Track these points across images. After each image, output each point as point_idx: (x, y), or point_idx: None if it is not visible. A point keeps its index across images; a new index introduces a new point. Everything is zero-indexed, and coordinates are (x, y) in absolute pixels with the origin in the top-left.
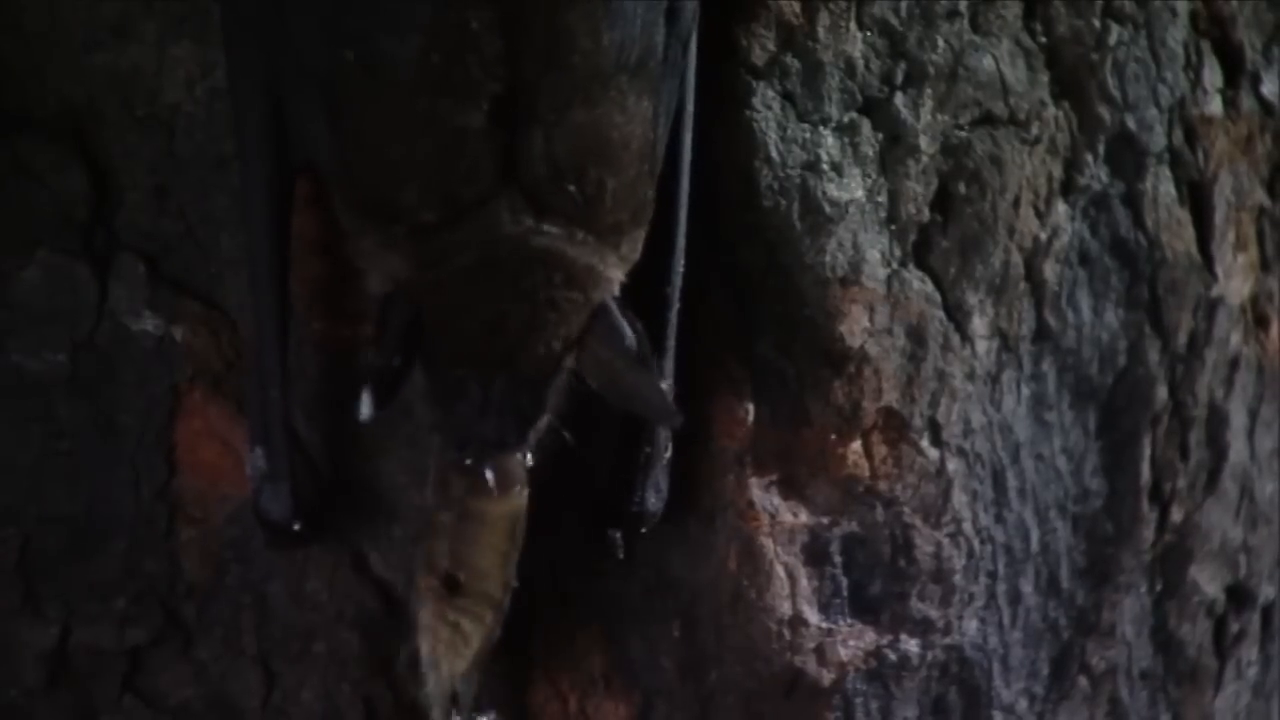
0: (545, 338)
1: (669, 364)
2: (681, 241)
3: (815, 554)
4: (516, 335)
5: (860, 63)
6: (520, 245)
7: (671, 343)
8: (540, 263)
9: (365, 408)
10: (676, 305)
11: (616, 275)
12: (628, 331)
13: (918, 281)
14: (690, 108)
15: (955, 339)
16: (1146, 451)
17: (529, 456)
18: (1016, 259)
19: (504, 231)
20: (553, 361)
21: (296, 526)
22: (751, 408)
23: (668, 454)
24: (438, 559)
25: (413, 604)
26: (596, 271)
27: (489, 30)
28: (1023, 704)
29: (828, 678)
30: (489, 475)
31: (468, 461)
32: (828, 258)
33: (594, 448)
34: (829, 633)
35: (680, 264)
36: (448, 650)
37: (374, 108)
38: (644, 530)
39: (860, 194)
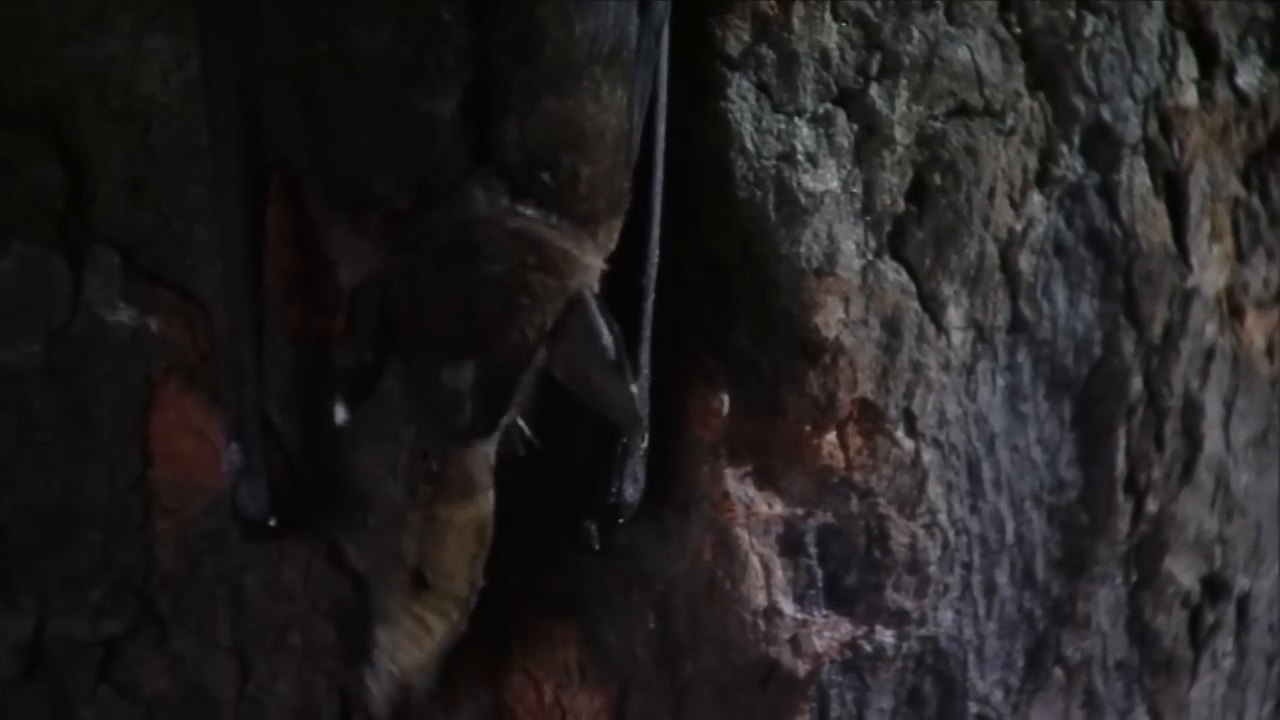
0: (519, 324)
1: (644, 355)
2: (656, 232)
3: (790, 545)
4: (490, 320)
5: (835, 54)
6: (494, 226)
7: (647, 333)
8: (515, 242)
9: (340, 411)
10: (651, 296)
11: (594, 264)
12: (604, 331)
13: (893, 272)
14: (663, 98)
15: (930, 330)
16: (1121, 442)
17: (492, 460)
18: (991, 250)
19: (478, 212)
20: (526, 351)
21: (272, 522)
22: (726, 399)
23: (644, 445)
24: (405, 555)
25: (377, 593)
26: (572, 257)
27: (460, 21)
28: (998, 695)
29: (803, 669)
30: (454, 479)
31: (433, 467)
32: (803, 249)
33: (570, 439)
34: (804, 624)
35: (655, 254)
36: (408, 641)
37: (346, 98)
38: (621, 521)
39: (835, 185)
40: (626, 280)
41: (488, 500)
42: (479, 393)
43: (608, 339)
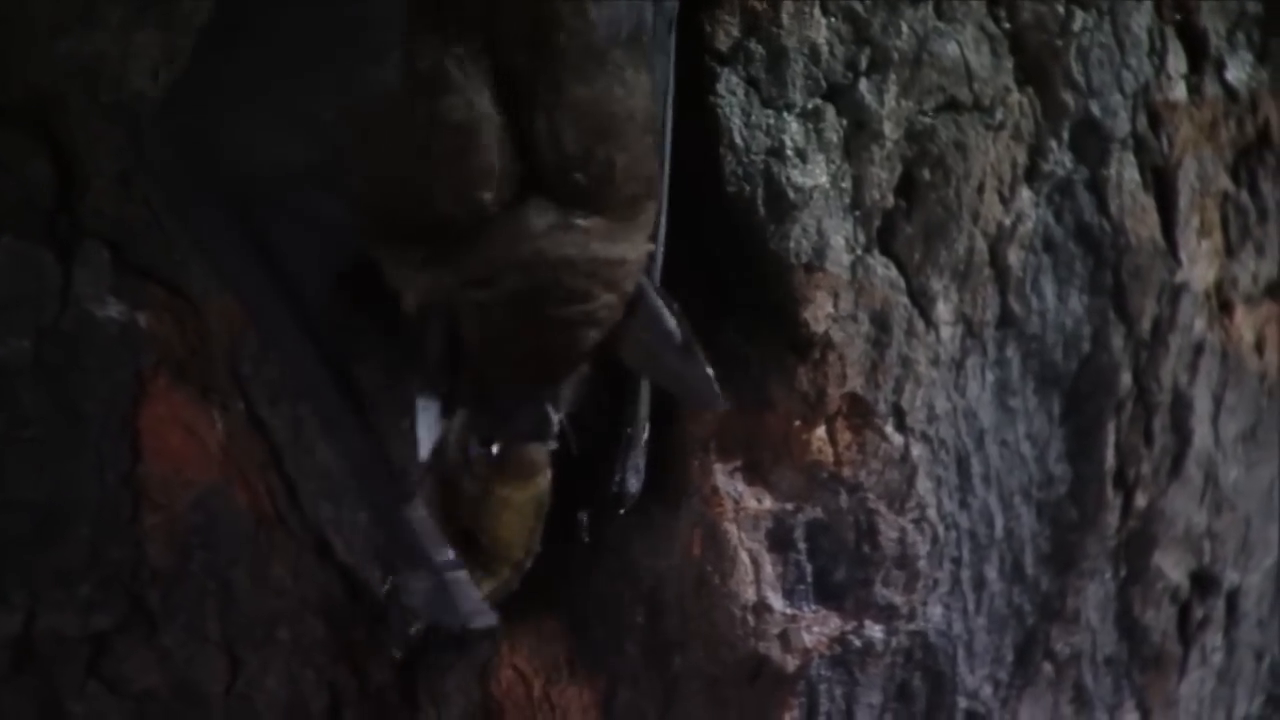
0: (583, 350)
1: None
2: (664, 227)
3: (779, 540)
4: (558, 355)
5: (825, 49)
6: (551, 252)
7: None
8: (577, 273)
9: (424, 448)
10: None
11: (643, 252)
12: (668, 316)
13: (882, 267)
14: (672, 88)
15: (919, 325)
16: (1111, 437)
17: (559, 436)
18: (981, 245)
19: (536, 240)
20: (586, 361)
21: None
22: None
23: (645, 435)
24: (459, 513)
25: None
26: (627, 262)
27: (467, 25)
28: (987, 690)
29: (792, 664)
30: (513, 463)
31: (494, 450)
32: (792, 244)
33: (573, 429)
34: (793, 619)
35: (661, 251)
36: None
37: (377, 133)
38: (622, 511)
39: (824, 180)
40: None
41: (546, 478)
42: (539, 403)
43: (673, 322)
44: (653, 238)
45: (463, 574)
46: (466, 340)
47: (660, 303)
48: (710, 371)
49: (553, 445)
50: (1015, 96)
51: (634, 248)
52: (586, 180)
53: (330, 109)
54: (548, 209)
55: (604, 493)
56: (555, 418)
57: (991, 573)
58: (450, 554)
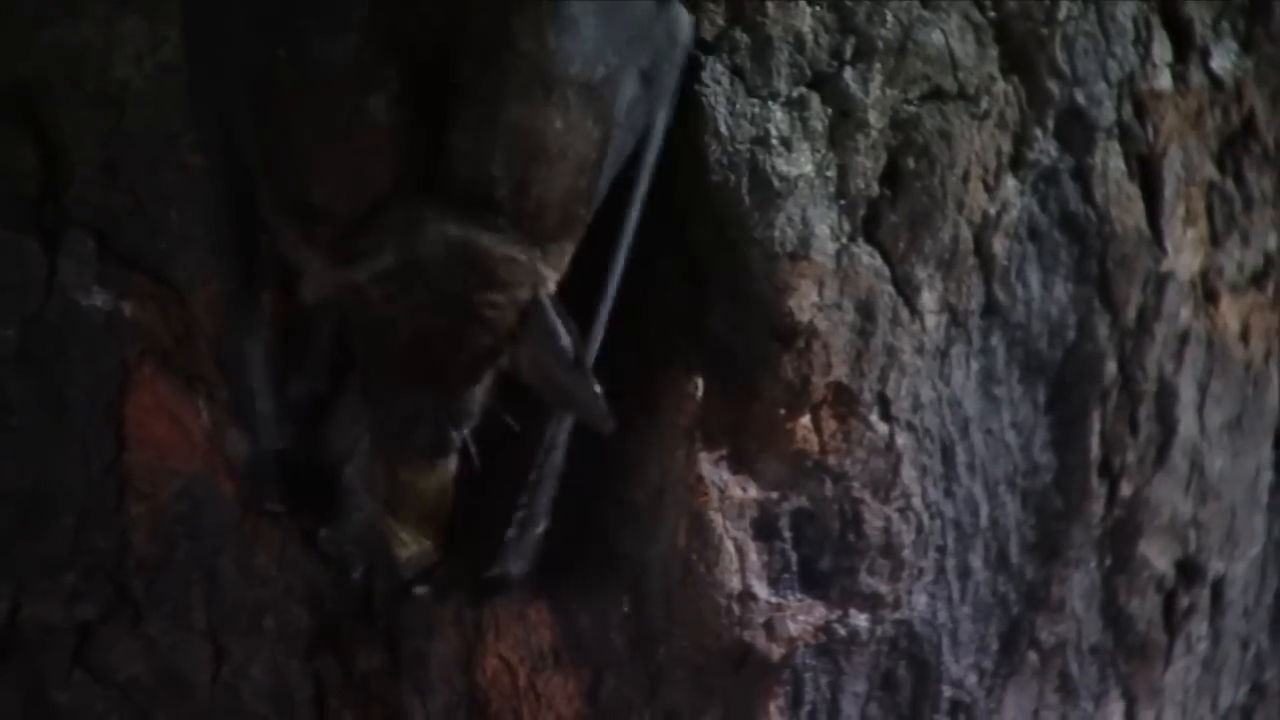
0: (470, 351)
1: (590, 355)
2: (620, 266)
3: (764, 529)
4: (441, 349)
5: (809, 37)
6: (435, 238)
7: (599, 333)
8: (459, 262)
9: (285, 439)
10: (602, 327)
11: (545, 271)
12: (562, 333)
13: (867, 256)
14: (659, 135)
15: (904, 314)
16: (1096, 426)
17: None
18: (966, 234)
19: (424, 227)
20: (479, 370)
21: (279, 506)
22: (700, 382)
23: (543, 527)
24: (375, 490)
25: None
26: (517, 263)
27: (424, 29)
28: (972, 678)
29: (777, 652)
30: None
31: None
32: (777, 232)
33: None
34: (778, 607)
35: (614, 287)
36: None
37: (302, 105)
38: (495, 598)
39: (809, 169)
40: (590, 283)
41: (448, 470)
42: (437, 414)
43: (566, 340)
44: (562, 275)
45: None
46: (352, 339)
47: (557, 320)
48: (599, 390)
49: (451, 462)
50: (1000, 85)
51: (529, 256)
52: (497, 197)
53: (273, 57)
54: (445, 209)
55: (485, 569)
56: (454, 434)
57: (976, 562)
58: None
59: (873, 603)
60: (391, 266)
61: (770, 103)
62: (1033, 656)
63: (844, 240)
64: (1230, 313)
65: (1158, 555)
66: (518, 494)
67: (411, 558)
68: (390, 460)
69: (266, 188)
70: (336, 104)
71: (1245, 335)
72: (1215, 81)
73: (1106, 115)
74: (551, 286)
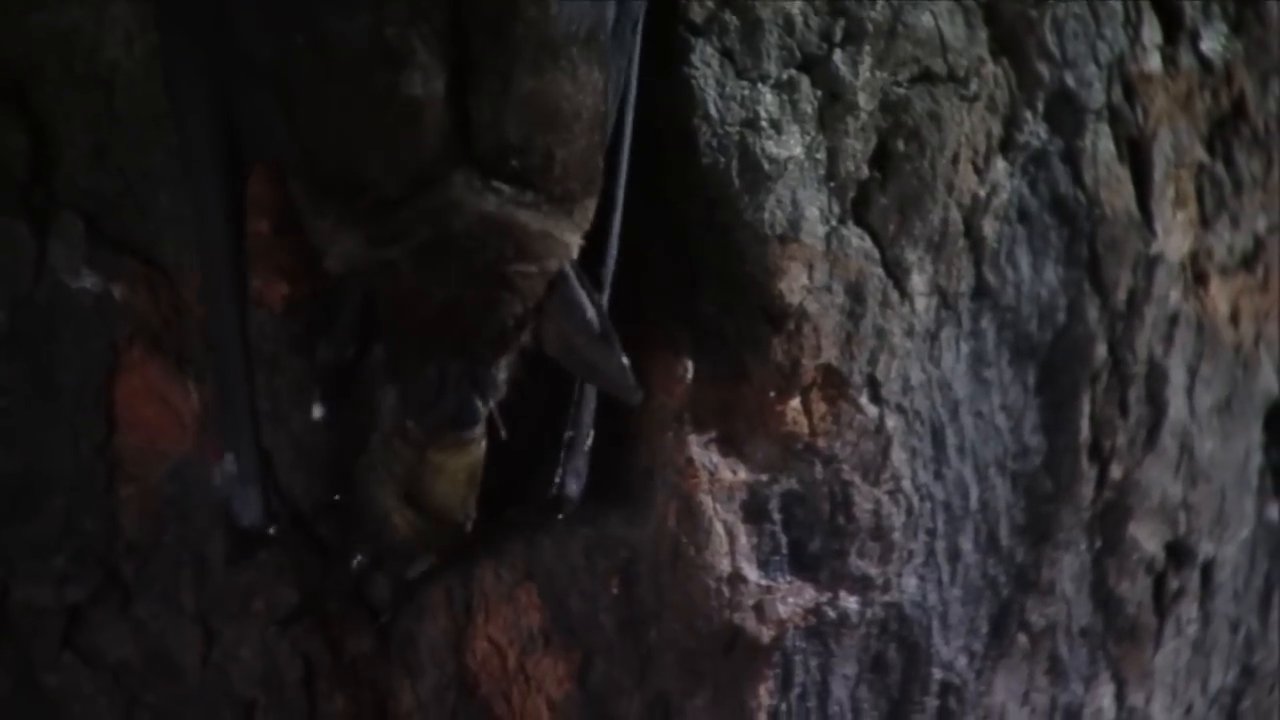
0: (500, 319)
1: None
2: (618, 225)
3: (754, 511)
4: (471, 319)
5: (799, 20)
6: (470, 212)
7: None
8: (492, 233)
9: (317, 408)
10: (608, 289)
11: (573, 240)
12: (588, 305)
13: (857, 239)
14: (634, 86)
15: (894, 296)
16: (1086, 409)
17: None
18: (955, 216)
19: (456, 200)
20: (508, 340)
21: (272, 530)
22: (690, 365)
23: (590, 440)
24: (396, 472)
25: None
26: (550, 238)
27: (439, 4)
28: (962, 661)
29: (767, 635)
30: (447, 435)
31: (431, 422)
32: (767, 215)
33: (515, 429)
34: (768, 590)
35: (615, 248)
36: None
37: (330, 88)
38: (561, 516)
39: (799, 151)
40: (588, 258)
41: (480, 447)
42: (462, 383)
43: (591, 312)
44: (587, 233)
45: None
46: (381, 307)
47: (581, 291)
48: (626, 361)
49: (480, 431)
50: (990, 68)
51: (560, 230)
52: (523, 168)
53: (292, 44)
54: (475, 181)
55: (543, 495)
56: (481, 405)
57: (966, 544)
58: None
59: (863, 585)
60: (427, 242)
61: (760, 85)
62: (1023, 639)
63: (834, 223)
64: (1220, 295)
65: (1148, 537)
66: (562, 420)
67: (436, 550)
68: (422, 441)
69: (303, 173)
70: (368, 82)
71: (1235, 318)
72: (1205, 64)
73: (1096, 98)
74: (575, 253)
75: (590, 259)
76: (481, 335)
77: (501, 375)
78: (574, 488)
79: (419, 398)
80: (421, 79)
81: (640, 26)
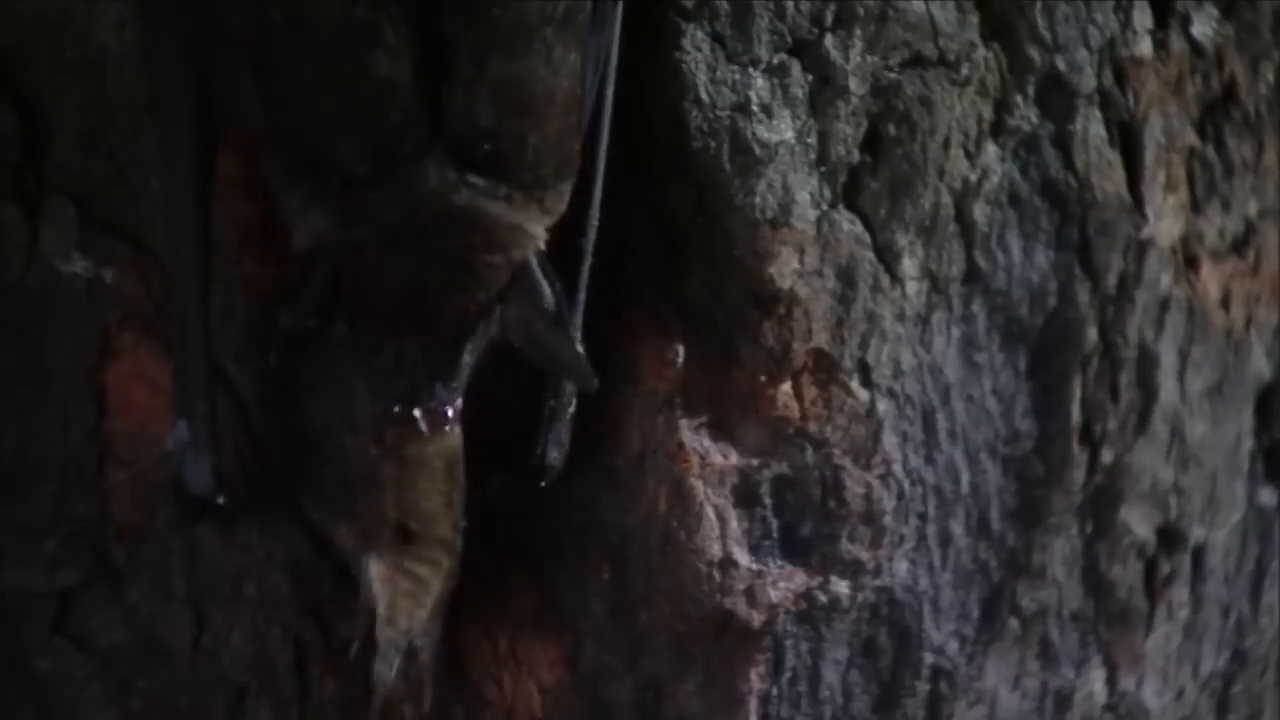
0: (461, 302)
1: (578, 318)
2: (599, 195)
3: (745, 496)
4: (433, 302)
5: (790, 4)
6: (442, 203)
7: (582, 296)
8: (461, 223)
9: (271, 357)
10: (589, 260)
11: (539, 231)
12: (547, 291)
13: (847, 223)
14: (614, 64)
15: (885, 280)
16: (1077, 393)
17: (459, 395)
18: (946, 200)
19: (428, 188)
20: (468, 324)
21: (220, 500)
22: (681, 349)
23: (571, 408)
24: (386, 510)
25: (364, 561)
26: (519, 230)
27: None
28: (953, 645)
29: (758, 619)
30: (419, 419)
31: (397, 409)
32: (757, 199)
33: (497, 398)
34: (759, 574)
35: (596, 218)
36: (408, 600)
37: (303, 64)
38: (544, 483)
39: (790, 135)
40: (566, 243)
41: (455, 434)
42: (420, 364)
43: (550, 299)
44: (559, 219)
45: None
46: (346, 286)
47: (543, 279)
48: (582, 351)
49: (452, 411)
50: (981, 52)
51: (529, 221)
52: (495, 153)
53: (268, 19)
54: (446, 168)
55: (525, 463)
56: (441, 387)
57: (957, 528)
58: None
59: (854, 569)
60: (394, 226)
61: (751, 69)
62: (1014, 623)
63: (825, 207)
64: (1211, 279)
65: (1139, 522)
66: (543, 389)
67: (439, 590)
68: (396, 441)
69: (274, 148)
70: (338, 61)
71: (1226, 302)
72: (1196, 48)
73: (1087, 82)
74: (543, 243)
75: (570, 230)
76: (442, 318)
77: (465, 359)
78: (555, 455)
79: (379, 376)
80: (389, 60)
81: (621, 2)
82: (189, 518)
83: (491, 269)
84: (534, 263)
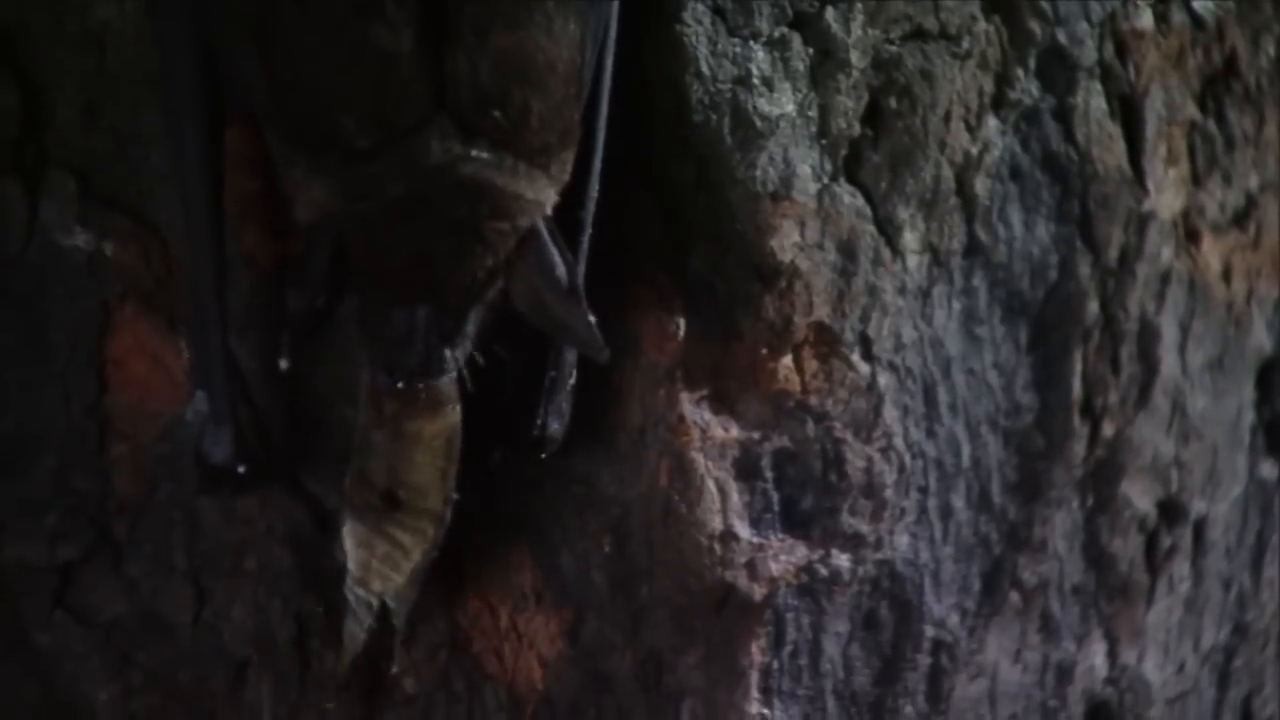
0: (470, 270)
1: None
2: (598, 166)
3: (746, 469)
4: (441, 269)
5: None
6: (448, 173)
7: (582, 268)
8: (467, 192)
9: (284, 356)
10: (589, 230)
11: (547, 197)
12: (558, 261)
13: (849, 196)
14: (613, 35)
15: (886, 253)
16: (1078, 366)
17: (460, 372)
18: (947, 173)
19: (432, 159)
20: (476, 291)
21: (241, 469)
22: (682, 322)
23: (572, 380)
24: (374, 476)
25: (343, 518)
26: (525, 198)
27: None
28: (954, 619)
29: (759, 593)
30: (421, 395)
31: (399, 384)
32: (759, 172)
33: (498, 370)
34: (760, 548)
35: (596, 189)
36: (383, 564)
37: (304, 37)
38: (544, 455)
39: (791, 109)
40: (566, 215)
41: (455, 412)
42: (430, 332)
43: (561, 269)
44: (563, 186)
45: None
46: (352, 256)
47: (553, 249)
48: (593, 319)
49: (452, 378)
50: (982, 25)
51: (535, 189)
52: (500, 122)
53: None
54: (450, 139)
55: (525, 435)
56: (451, 353)
57: (958, 502)
58: None
59: (855, 543)
60: (399, 197)
61: (752, 42)
62: (1015, 597)
63: (826, 180)
64: (1212, 252)
65: (1140, 495)
66: (543, 360)
67: (423, 554)
68: (397, 411)
69: (276, 121)
70: (339, 33)
71: (1227, 275)
72: (1197, 21)
73: (1088, 55)
74: (550, 209)
75: (570, 202)
76: (450, 285)
77: (470, 327)
78: (556, 427)
79: (386, 346)
80: (390, 32)
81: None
82: (210, 487)
83: (499, 235)
84: (544, 233)
